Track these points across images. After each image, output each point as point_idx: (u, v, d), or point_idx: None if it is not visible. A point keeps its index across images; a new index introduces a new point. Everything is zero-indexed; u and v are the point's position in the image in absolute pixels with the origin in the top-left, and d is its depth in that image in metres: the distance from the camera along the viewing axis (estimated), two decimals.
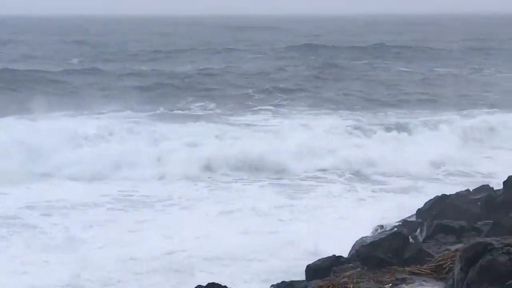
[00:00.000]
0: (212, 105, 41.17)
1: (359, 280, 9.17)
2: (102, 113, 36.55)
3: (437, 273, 8.79)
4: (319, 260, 11.62)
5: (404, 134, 31.00)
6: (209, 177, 25.26)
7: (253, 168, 25.93)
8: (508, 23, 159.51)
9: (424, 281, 8.68)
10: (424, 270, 8.99)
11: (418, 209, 16.63)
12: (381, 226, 16.46)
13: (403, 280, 8.72)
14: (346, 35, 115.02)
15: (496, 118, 33.99)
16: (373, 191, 23.25)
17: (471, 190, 17.37)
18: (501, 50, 78.23)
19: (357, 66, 62.85)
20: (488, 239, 8.47)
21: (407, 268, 9.22)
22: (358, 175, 25.28)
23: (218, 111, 39.47)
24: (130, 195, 22.51)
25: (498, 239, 8.30)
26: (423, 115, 36.76)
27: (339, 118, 35.77)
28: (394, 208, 19.28)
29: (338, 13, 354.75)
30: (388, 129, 32.09)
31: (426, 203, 16.58)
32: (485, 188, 17.33)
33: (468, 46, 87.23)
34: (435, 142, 29.06)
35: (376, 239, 11.77)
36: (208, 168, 25.90)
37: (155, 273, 15.22)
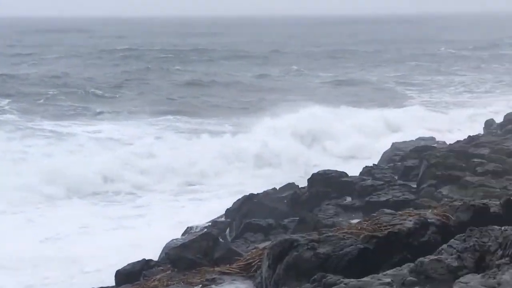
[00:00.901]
0: None
1: (169, 282, 9.12)
2: None
3: (246, 271, 8.89)
4: (128, 264, 11.38)
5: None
6: None
7: None
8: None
9: (233, 280, 8.74)
10: (233, 269, 9.06)
11: (227, 209, 16.79)
12: (191, 228, 16.47)
13: (213, 281, 8.74)
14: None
15: None
16: (178, 193, 23.26)
17: (277, 189, 17.84)
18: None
19: None
20: (294, 236, 8.70)
21: (217, 268, 9.26)
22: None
23: None
24: None
25: (304, 235, 8.54)
26: None
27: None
28: (204, 209, 19.41)
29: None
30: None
31: (234, 202, 16.76)
32: (290, 185, 17.88)
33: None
34: None
35: (186, 240, 11.74)
36: None
37: None
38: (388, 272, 6.92)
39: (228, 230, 15.74)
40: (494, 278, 5.98)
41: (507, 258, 6.40)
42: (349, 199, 15.51)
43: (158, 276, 9.77)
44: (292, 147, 28.41)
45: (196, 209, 20.33)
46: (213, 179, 24.95)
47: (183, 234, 16.06)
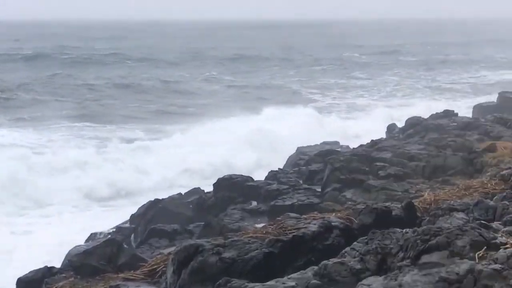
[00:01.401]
0: None
1: None
2: None
3: (151, 277, 8.81)
4: (30, 272, 11.08)
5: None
6: None
7: None
8: None
9: (138, 286, 8.65)
10: (137, 275, 8.96)
11: (132, 215, 16.58)
12: (95, 234, 16.19)
13: (117, 287, 8.61)
14: None
15: None
16: (82, 200, 22.84)
17: (183, 194, 17.74)
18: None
19: None
20: (199, 241, 8.66)
21: (121, 275, 9.13)
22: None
23: None
24: None
25: (209, 240, 8.51)
26: None
27: None
28: (109, 215, 19.13)
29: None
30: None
31: (139, 208, 16.57)
32: (196, 191, 17.81)
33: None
34: None
35: (90, 247, 11.52)
36: None
37: None
38: (293, 275, 6.96)
39: (133, 236, 15.55)
40: (396, 279, 6.10)
41: (408, 260, 6.54)
42: (254, 203, 15.57)
43: (60, 284, 9.57)
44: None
45: (101, 215, 20.01)
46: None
47: (86, 241, 15.76)
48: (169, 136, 32.24)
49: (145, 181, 24.91)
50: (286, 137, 28.93)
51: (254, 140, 28.99)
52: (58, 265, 12.02)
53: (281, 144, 27.75)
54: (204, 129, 32.98)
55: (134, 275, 8.99)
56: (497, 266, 5.82)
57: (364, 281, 6.28)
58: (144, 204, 16.58)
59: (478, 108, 31.01)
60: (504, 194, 10.11)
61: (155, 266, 9.00)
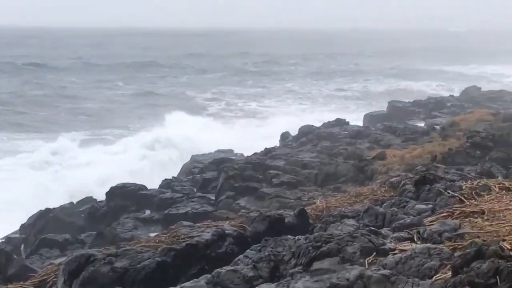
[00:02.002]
0: None
1: None
2: None
3: None
4: None
5: None
6: None
7: None
8: None
9: None
10: (27, 286, 8.73)
11: (22, 225, 16.13)
12: None
13: None
14: None
15: None
16: None
17: (74, 203, 17.39)
18: None
19: None
20: (90, 251, 8.53)
21: (10, 286, 8.89)
22: None
23: None
24: None
25: (101, 249, 8.39)
26: None
27: None
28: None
29: None
30: None
31: (29, 218, 16.13)
32: (88, 200, 17.51)
33: None
34: None
35: None
36: None
37: None
38: (185, 284, 6.95)
39: (23, 246, 15.14)
40: (288, 286, 6.18)
41: (300, 267, 6.65)
42: (148, 212, 15.46)
43: None
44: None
45: None
46: None
47: None
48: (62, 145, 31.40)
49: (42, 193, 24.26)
50: (181, 144, 28.84)
51: (148, 148, 28.77)
52: None
53: (176, 152, 27.63)
54: (98, 137, 32.42)
55: (24, 285, 8.76)
56: (386, 272, 5.98)
57: None
58: (34, 214, 16.16)
59: (368, 117, 31.85)
60: (393, 201, 10.42)
61: (46, 277, 8.79)
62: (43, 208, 16.39)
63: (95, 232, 13.50)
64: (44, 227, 15.23)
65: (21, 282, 9.03)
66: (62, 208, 16.68)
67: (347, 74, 72.96)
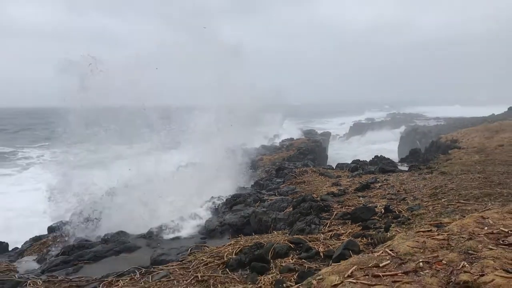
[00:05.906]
0: None
1: None
2: None
3: None
4: None
5: None
6: None
7: None
8: None
9: None
10: None
11: None
12: None
13: None
14: None
15: None
16: None
17: None
18: None
19: None
20: None
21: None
22: None
23: None
24: None
25: None
26: None
27: None
28: None
29: None
30: None
31: None
32: None
33: None
34: None
35: None
36: None
37: None
38: None
39: None
40: (223, 218, 13.42)
41: (226, 208, 14.12)
42: None
43: None
44: None
45: None
46: None
47: None
48: None
49: None
50: None
51: None
52: None
53: None
54: None
55: None
56: (264, 209, 13.06)
57: None
58: None
59: None
60: (266, 177, 18.83)
61: None
62: None
63: None
64: None
65: None
66: None
67: None
